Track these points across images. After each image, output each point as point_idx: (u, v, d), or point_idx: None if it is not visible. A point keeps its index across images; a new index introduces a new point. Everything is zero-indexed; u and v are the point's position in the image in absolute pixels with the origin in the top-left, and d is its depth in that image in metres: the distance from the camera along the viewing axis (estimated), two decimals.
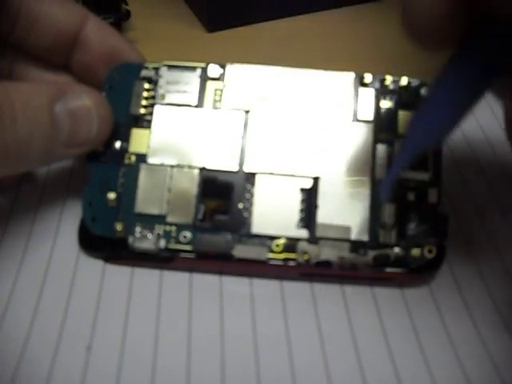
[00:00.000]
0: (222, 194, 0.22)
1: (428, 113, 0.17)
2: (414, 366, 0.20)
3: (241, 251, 0.21)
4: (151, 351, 0.20)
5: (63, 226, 0.24)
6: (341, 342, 0.20)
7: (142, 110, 0.23)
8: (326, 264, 0.21)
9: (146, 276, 0.22)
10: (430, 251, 0.21)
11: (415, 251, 0.21)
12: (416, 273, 0.21)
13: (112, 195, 0.22)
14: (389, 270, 0.21)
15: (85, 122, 0.21)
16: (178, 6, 0.40)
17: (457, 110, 0.16)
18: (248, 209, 0.22)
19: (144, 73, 0.23)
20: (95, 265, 0.23)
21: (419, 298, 0.22)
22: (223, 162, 0.22)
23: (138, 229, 0.22)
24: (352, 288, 0.22)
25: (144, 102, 0.23)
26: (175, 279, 0.22)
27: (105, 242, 0.22)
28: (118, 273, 0.22)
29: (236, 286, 0.22)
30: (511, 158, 0.27)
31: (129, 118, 0.23)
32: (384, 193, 0.20)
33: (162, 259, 0.22)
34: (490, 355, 0.20)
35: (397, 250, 0.21)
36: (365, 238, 0.21)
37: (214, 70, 0.23)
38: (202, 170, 0.22)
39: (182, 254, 0.22)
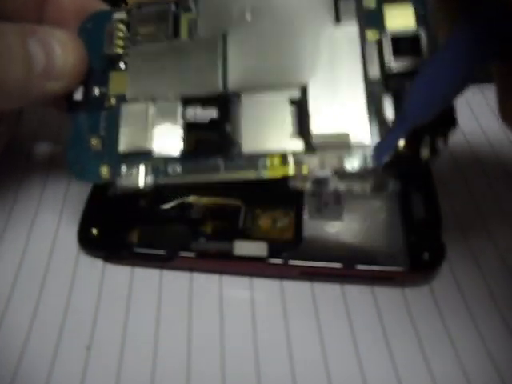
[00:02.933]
0: (209, 121, 0.21)
1: (431, 76, 0.17)
2: (414, 365, 0.20)
3: (241, 249, 0.21)
4: (151, 351, 0.20)
5: (63, 226, 0.24)
6: (341, 341, 0.20)
7: (117, 50, 0.22)
8: (324, 182, 0.20)
9: (146, 275, 0.22)
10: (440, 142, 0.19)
11: (424, 145, 0.19)
12: (416, 272, 0.21)
13: (95, 140, 0.21)
14: (389, 268, 0.21)
15: (60, 54, 0.21)
16: None
17: (458, 76, 0.16)
18: (236, 130, 0.20)
19: (116, 15, 0.23)
20: (95, 264, 0.23)
21: (419, 298, 0.22)
22: (206, 87, 0.21)
23: (123, 168, 0.21)
24: (352, 287, 0.22)
25: (119, 42, 0.22)
26: (175, 279, 0.22)
27: (105, 242, 0.22)
28: (118, 272, 0.22)
29: (236, 285, 0.22)
30: (511, 157, 0.27)
31: (106, 63, 0.22)
32: (378, 157, 0.19)
33: (162, 258, 0.22)
34: (490, 354, 0.20)
35: (401, 142, 0.19)
36: (366, 140, 0.19)
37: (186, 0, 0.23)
38: (185, 99, 0.21)
39: (182, 253, 0.22)
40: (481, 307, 0.21)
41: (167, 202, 0.24)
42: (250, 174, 0.20)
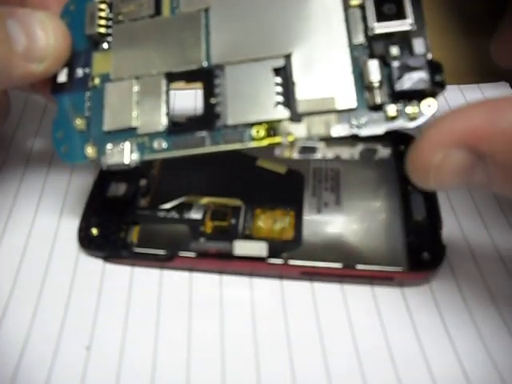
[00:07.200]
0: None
1: None
2: (414, 364, 0.20)
3: (241, 249, 0.21)
4: (151, 351, 0.20)
5: (63, 226, 0.24)
6: (341, 341, 0.20)
7: (99, 29, 0.22)
8: (312, 150, 0.20)
9: (146, 275, 0.22)
10: (429, 106, 0.18)
11: (413, 107, 0.18)
12: (416, 272, 0.21)
13: (79, 121, 0.21)
14: (389, 268, 0.21)
15: (40, 35, 0.21)
16: None
17: None
18: (222, 102, 0.20)
19: None
20: (95, 264, 0.23)
21: (419, 297, 0.22)
22: (190, 62, 0.21)
23: (109, 146, 0.21)
24: (352, 287, 0.22)
25: (101, 22, 0.22)
26: (175, 279, 0.22)
27: (105, 242, 0.22)
28: (118, 272, 0.22)
29: (236, 285, 0.22)
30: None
31: (89, 45, 0.22)
32: None
33: (162, 258, 0.22)
34: (489, 354, 0.20)
35: (390, 109, 0.19)
36: (352, 104, 0.19)
37: None
38: (168, 74, 0.21)
39: (182, 253, 0.22)
40: (480, 307, 0.21)
41: (167, 201, 0.24)
42: (236, 146, 0.20)
